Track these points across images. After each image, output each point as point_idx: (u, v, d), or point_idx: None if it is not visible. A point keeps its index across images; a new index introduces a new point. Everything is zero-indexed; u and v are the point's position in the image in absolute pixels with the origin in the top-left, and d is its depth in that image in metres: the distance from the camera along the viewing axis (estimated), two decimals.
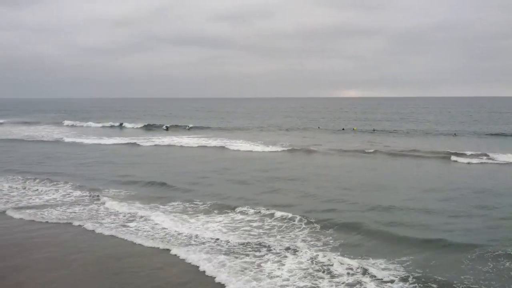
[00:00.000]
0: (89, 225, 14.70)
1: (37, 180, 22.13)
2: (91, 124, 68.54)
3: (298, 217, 15.02)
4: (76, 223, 15.04)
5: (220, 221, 15.11)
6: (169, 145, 39.65)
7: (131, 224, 14.82)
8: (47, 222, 15.35)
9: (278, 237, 13.43)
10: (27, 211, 16.57)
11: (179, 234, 13.73)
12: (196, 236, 13.51)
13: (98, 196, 18.67)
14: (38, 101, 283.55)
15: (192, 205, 17.12)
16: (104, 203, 17.49)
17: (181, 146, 39.11)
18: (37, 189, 20.21)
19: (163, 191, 19.97)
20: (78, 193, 19.39)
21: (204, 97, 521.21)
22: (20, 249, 12.67)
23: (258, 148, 35.66)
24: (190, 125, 60.79)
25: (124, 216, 15.83)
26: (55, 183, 21.52)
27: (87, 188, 20.31)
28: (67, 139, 44.65)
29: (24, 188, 20.41)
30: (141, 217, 15.63)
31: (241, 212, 16.04)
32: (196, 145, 38.85)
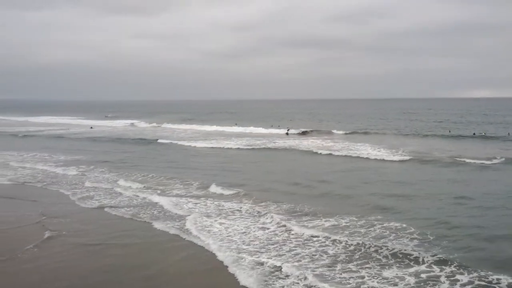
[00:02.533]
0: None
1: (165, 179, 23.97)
2: (216, 127, 68.96)
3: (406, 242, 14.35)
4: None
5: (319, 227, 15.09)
6: (287, 149, 39.49)
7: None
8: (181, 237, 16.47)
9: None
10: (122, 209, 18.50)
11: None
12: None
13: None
14: (165, 103, 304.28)
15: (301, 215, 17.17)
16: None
17: (299, 150, 38.43)
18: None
19: (273, 195, 20.44)
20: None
21: (320, 98, 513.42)
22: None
23: (378, 154, 33.73)
24: (290, 130, 59.28)
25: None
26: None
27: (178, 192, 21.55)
28: (191, 144, 47.32)
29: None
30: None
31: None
32: (322, 152, 36.36)
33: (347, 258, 12.36)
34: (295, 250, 13.06)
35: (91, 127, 74.59)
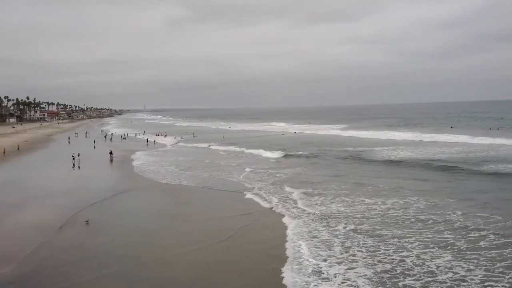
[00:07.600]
0: None
1: None
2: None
3: None
4: None
5: None
6: None
7: None
8: None
9: None
10: None
11: None
12: None
13: None
14: (376, 107, 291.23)
15: None
16: None
17: None
18: None
19: None
20: None
21: None
22: None
23: None
24: None
25: None
26: None
27: None
28: None
29: None
30: None
31: None
32: None
33: None
34: None
35: (295, 132, 79.40)
